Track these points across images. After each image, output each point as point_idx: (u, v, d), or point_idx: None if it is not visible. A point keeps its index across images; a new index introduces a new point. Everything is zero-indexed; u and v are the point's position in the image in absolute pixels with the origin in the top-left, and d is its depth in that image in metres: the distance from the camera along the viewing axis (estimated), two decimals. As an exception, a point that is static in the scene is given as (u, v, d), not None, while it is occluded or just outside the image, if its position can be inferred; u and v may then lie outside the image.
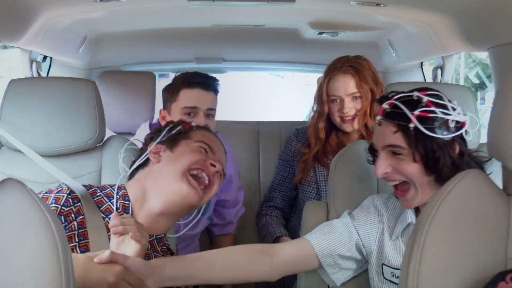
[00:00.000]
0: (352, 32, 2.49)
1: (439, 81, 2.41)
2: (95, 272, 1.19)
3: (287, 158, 2.34)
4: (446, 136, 1.33)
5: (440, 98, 1.37)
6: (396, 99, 1.38)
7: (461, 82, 8.63)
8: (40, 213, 0.91)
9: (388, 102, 1.39)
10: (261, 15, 2.34)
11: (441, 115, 1.33)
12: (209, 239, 2.42)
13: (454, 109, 1.35)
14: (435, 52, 2.28)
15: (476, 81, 9.39)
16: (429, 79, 2.56)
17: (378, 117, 1.41)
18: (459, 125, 1.36)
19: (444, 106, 1.35)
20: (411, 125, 1.33)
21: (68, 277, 0.90)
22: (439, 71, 2.41)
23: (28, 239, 0.90)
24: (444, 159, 1.34)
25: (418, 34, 2.17)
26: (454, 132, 1.34)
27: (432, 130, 1.33)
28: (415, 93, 1.37)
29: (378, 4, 1.82)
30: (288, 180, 2.33)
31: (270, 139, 2.64)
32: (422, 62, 2.66)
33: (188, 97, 2.07)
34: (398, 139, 1.36)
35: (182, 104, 2.06)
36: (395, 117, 1.36)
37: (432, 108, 1.34)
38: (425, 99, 1.35)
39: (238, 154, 2.40)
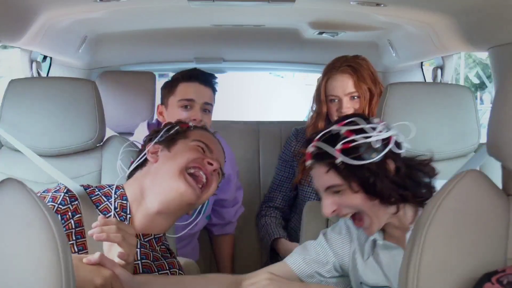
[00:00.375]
0: (352, 32, 2.49)
1: (439, 81, 2.41)
2: (84, 272, 1.19)
3: (286, 158, 2.34)
4: (375, 158, 1.31)
5: (357, 123, 1.35)
6: (318, 140, 1.37)
7: (461, 82, 8.64)
8: (40, 213, 0.91)
9: (311, 144, 1.38)
10: (261, 15, 2.34)
11: (362, 141, 1.31)
12: (209, 239, 2.43)
13: (374, 129, 1.33)
14: (435, 52, 2.28)
15: (476, 81, 9.40)
16: (429, 79, 2.56)
17: (308, 162, 1.40)
18: (386, 141, 1.33)
19: (363, 130, 1.33)
20: (338, 161, 1.32)
21: (68, 277, 0.90)
22: (439, 71, 2.41)
23: (28, 239, 0.90)
24: (380, 181, 1.32)
25: (418, 34, 2.17)
26: (382, 151, 1.32)
27: (359, 158, 1.31)
28: (334, 127, 1.36)
29: (378, 4, 1.82)
30: (288, 181, 2.33)
31: (270, 139, 2.64)
32: (422, 62, 2.66)
33: (186, 90, 2.10)
34: (332, 178, 1.35)
35: (179, 97, 2.09)
36: (322, 157, 1.35)
37: (352, 137, 1.32)
38: (343, 130, 1.34)
39: (238, 154, 2.41)
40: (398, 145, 1.36)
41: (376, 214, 1.36)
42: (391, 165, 1.34)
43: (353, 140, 1.32)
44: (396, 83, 1.90)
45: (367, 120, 1.38)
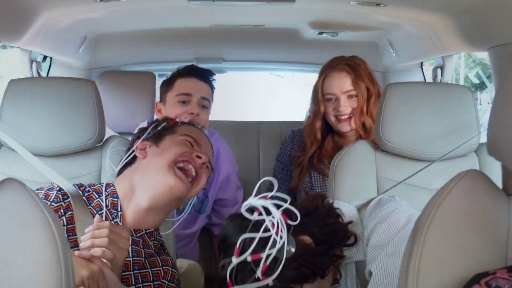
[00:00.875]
0: (352, 32, 2.49)
1: (439, 81, 2.41)
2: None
3: (283, 161, 2.34)
4: (292, 249, 1.20)
5: (251, 238, 1.20)
6: (232, 284, 1.22)
7: (461, 82, 8.64)
8: (40, 213, 0.91)
9: None
10: (261, 15, 2.34)
11: (273, 250, 1.18)
12: (209, 239, 2.43)
13: (267, 229, 1.20)
14: (435, 52, 2.28)
15: (476, 81, 9.41)
16: (429, 79, 2.56)
17: None
18: (283, 223, 1.21)
19: (265, 239, 1.19)
20: (271, 284, 1.19)
21: (68, 277, 0.90)
22: (439, 71, 2.41)
23: (28, 239, 0.90)
24: (311, 264, 1.23)
25: (418, 34, 2.17)
26: (287, 236, 1.20)
27: (280, 262, 1.18)
28: (234, 261, 1.21)
29: (378, 4, 1.82)
30: (285, 183, 2.33)
31: (270, 139, 2.65)
32: (422, 62, 2.66)
33: (183, 85, 2.13)
34: None
35: (177, 92, 2.11)
36: None
37: (263, 257, 1.19)
38: (248, 257, 1.20)
39: (238, 154, 2.41)
40: (290, 214, 1.24)
41: (323, 284, 1.29)
42: (306, 239, 1.25)
43: (266, 257, 1.18)
44: (396, 83, 1.90)
45: (247, 220, 1.24)
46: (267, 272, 1.18)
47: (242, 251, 1.20)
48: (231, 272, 1.21)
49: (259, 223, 1.21)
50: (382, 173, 1.82)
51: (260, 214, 1.23)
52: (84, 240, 1.25)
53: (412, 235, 1.05)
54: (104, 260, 1.25)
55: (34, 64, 2.26)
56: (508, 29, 1.58)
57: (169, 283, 1.45)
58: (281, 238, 1.19)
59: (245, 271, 1.20)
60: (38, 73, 2.28)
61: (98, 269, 1.21)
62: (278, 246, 1.18)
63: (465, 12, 1.72)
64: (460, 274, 0.99)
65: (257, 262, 1.19)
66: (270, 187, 2.40)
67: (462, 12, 1.74)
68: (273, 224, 1.20)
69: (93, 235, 1.24)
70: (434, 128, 1.78)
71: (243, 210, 1.26)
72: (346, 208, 1.40)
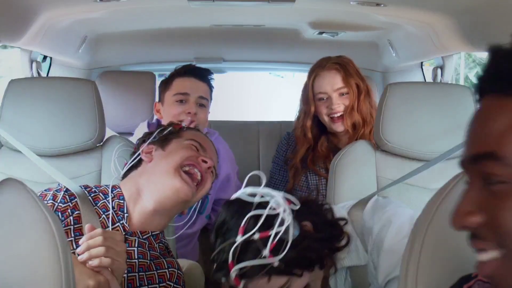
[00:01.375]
0: (352, 32, 2.49)
1: (439, 81, 2.41)
2: (78, 272, 1.16)
3: (279, 162, 2.35)
4: (296, 230, 1.16)
5: (258, 216, 1.15)
6: (234, 263, 1.16)
7: (461, 82, 8.63)
8: (40, 213, 0.91)
9: (233, 270, 1.15)
10: (261, 15, 2.34)
11: (282, 228, 1.13)
12: (209, 239, 2.42)
13: (276, 208, 1.16)
14: (435, 52, 2.28)
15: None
16: (429, 79, 2.56)
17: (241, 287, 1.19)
18: (286, 204, 1.17)
19: (268, 221, 1.14)
20: (276, 264, 1.14)
21: (68, 277, 0.90)
22: (439, 71, 2.41)
23: (28, 239, 0.89)
24: (313, 249, 1.20)
25: (418, 34, 2.17)
26: (292, 216, 1.15)
27: (286, 244, 1.13)
28: (239, 240, 1.15)
29: (378, 4, 1.82)
30: (282, 184, 2.33)
31: (270, 139, 2.65)
32: (422, 62, 2.66)
33: (181, 84, 2.12)
34: (277, 282, 1.17)
35: (174, 91, 2.11)
36: (255, 271, 1.15)
37: (272, 233, 1.13)
38: (256, 235, 1.14)
39: (238, 154, 2.41)
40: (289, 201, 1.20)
41: (319, 276, 1.27)
42: (308, 225, 1.22)
43: (275, 235, 1.13)
44: (396, 83, 1.90)
45: (246, 204, 1.18)
46: (273, 252, 1.14)
47: (246, 231, 1.15)
48: (234, 252, 1.15)
49: (262, 205, 1.17)
50: (382, 173, 1.82)
51: (262, 197, 1.20)
52: (81, 252, 1.23)
53: (412, 235, 1.05)
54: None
55: (34, 64, 2.26)
56: (508, 29, 1.58)
57: (175, 285, 1.45)
58: (288, 215, 1.16)
59: (249, 250, 1.15)
60: (38, 73, 2.29)
61: (104, 281, 1.20)
62: (286, 224, 1.13)
63: (465, 12, 1.72)
64: (459, 273, 0.99)
65: (264, 241, 1.14)
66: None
67: (462, 12, 1.74)
68: (277, 205, 1.18)
69: (88, 246, 1.23)
70: (434, 128, 1.78)
71: (242, 195, 1.22)
72: (335, 209, 1.39)
